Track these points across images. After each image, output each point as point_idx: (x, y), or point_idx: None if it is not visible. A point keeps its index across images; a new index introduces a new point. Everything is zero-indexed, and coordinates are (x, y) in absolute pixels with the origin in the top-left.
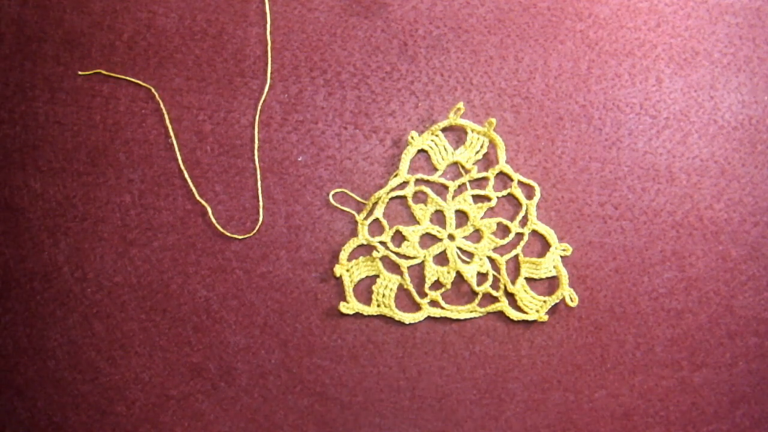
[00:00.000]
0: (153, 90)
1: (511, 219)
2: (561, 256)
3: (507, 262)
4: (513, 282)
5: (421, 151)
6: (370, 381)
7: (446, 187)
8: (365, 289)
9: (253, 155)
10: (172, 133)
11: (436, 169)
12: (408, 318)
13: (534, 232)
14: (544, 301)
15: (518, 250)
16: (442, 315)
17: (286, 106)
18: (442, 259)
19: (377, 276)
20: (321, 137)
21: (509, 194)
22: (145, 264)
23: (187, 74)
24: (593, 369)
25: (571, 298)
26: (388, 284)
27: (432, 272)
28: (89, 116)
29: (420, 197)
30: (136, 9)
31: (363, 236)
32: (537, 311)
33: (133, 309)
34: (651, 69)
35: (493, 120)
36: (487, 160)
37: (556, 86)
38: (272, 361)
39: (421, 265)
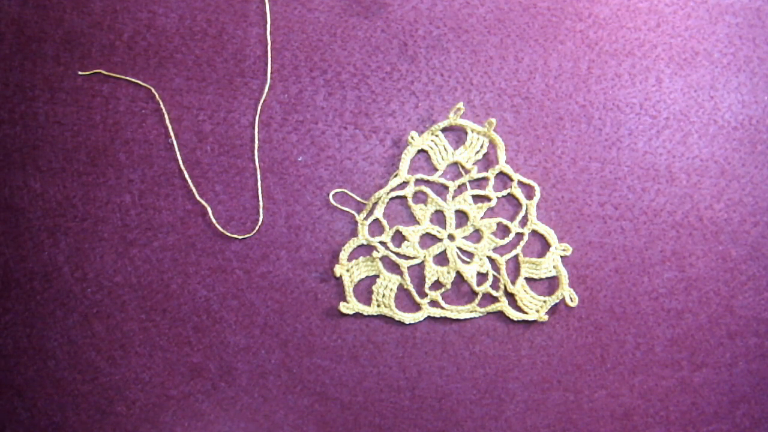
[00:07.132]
0: (153, 90)
1: (511, 219)
2: (561, 256)
3: (507, 262)
4: (513, 282)
5: (421, 151)
6: (370, 381)
7: (446, 187)
8: (365, 289)
9: (253, 155)
10: (172, 133)
11: (436, 169)
12: (408, 318)
13: (534, 232)
14: (544, 301)
15: (518, 250)
16: (442, 315)
17: (286, 106)
18: (442, 259)
19: (377, 276)
20: (321, 137)
21: (509, 194)
22: (145, 264)
23: (187, 74)
24: (593, 369)
25: (571, 298)
26: (388, 284)
27: (432, 272)
28: (89, 116)
29: (420, 197)
30: (136, 9)
31: (363, 236)
32: (537, 311)
33: (133, 309)
34: (651, 69)
35: (493, 120)
36: (487, 160)
37: (556, 86)
38: (272, 361)
39: (421, 265)
